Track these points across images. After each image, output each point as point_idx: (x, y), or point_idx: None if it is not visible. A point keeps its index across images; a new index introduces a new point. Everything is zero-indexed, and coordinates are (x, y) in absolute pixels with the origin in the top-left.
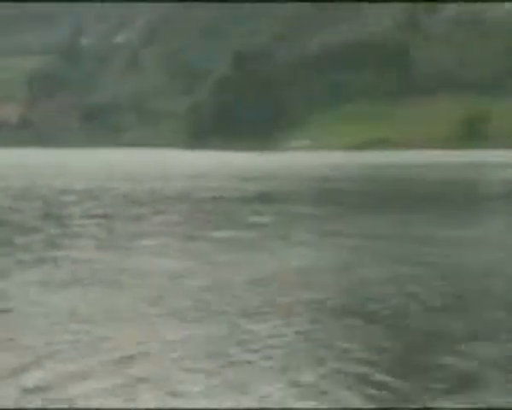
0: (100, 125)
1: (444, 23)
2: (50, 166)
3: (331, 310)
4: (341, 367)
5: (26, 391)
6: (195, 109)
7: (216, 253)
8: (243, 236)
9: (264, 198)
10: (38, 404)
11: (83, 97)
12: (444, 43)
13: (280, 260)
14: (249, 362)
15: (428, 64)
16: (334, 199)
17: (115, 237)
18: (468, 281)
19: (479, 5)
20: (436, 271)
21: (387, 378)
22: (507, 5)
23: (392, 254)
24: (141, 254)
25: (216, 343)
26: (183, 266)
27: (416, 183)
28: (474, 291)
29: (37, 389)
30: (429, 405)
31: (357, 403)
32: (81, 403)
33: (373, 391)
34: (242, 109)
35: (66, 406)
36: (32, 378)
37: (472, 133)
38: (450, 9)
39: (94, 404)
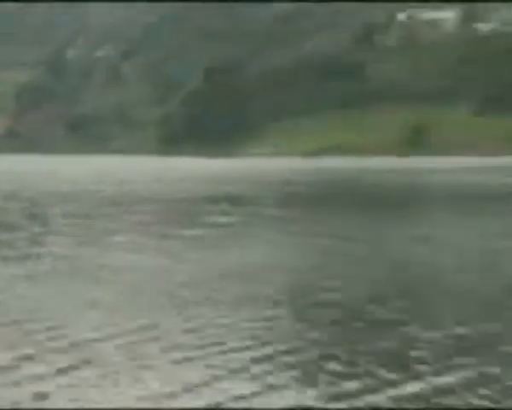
0: (84, 134)
1: (396, 40)
2: (38, 172)
3: (292, 301)
4: (290, 349)
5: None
6: (168, 119)
7: (186, 250)
8: (211, 234)
9: (231, 200)
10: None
11: (68, 108)
12: (395, 59)
13: (245, 257)
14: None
15: (381, 77)
16: (295, 201)
17: (94, 234)
18: (413, 273)
19: (427, 25)
20: (383, 265)
21: (342, 360)
22: (448, 26)
23: (346, 251)
24: (117, 250)
25: (187, 332)
26: (155, 262)
27: (367, 186)
28: (419, 281)
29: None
30: (376, 387)
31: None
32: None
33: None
34: (211, 119)
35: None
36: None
37: (417, 141)
38: (403, 28)
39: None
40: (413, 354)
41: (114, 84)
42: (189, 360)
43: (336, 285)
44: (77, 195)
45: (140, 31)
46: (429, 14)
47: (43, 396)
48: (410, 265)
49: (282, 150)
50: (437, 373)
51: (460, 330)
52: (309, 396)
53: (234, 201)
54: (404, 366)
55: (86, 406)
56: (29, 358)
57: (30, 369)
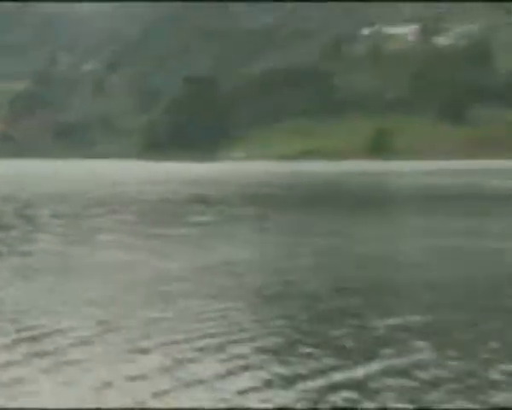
0: (72, 139)
1: (363, 52)
2: (30, 175)
3: (263, 293)
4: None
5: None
6: (151, 127)
7: (166, 247)
8: (189, 233)
9: (208, 201)
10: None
11: (58, 116)
12: (362, 70)
13: (221, 253)
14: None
15: (349, 87)
16: (268, 202)
17: (85, 233)
18: (376, 268)
19: (390, 38)
20: (349, 260)
21: (305, 346)
22: (410, 39)
23: (317, 247)
24: (102, 248)
25: (179, 327)
26: (136, 258)
27: (336, 187)
28: (381, 275)
29: None
30: (339, 373)
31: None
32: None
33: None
34: (191, 126)
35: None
36: None
37: (381, 146)
38: (368, 42)
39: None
40: (372, 339)
41: (100, 94)
42: (181, 355)
43: (306, 277)
44: (67, 196)
45: (124, 43)
46: (392, 28)
47: (30, 395)
48: (369, 259)
49: (258, 154)
50: (394, 355)
51: (416, 318)
52: (275, 377)
53: (210, 201)
54: (365, 350)
55: (84, 406)
56: (15, 362)
57: (15, 371)
